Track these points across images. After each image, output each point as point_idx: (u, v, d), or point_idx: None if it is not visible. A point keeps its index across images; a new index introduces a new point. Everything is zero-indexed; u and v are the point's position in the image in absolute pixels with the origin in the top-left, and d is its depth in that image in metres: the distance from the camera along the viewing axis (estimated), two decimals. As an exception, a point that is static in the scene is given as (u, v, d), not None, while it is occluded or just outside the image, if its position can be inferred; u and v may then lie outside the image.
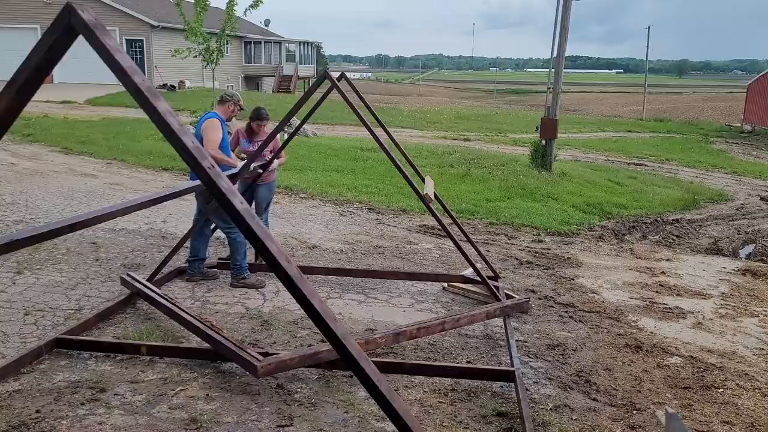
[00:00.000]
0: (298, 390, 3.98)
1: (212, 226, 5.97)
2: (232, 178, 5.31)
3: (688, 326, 5.60)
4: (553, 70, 15.29)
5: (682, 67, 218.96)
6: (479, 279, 5.69)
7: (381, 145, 5.33)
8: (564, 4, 14.31)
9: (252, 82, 44.67)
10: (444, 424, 3.70)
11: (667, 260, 7.94)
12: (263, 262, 5.49)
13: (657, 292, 6.54)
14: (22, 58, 1.46)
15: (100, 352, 4.33)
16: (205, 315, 5.16)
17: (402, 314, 5.44)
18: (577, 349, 4.90)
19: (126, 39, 31.84)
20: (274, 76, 43.64)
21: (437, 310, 5.60)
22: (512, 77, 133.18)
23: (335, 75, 5.55)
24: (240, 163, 5.64)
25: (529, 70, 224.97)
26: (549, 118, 14.50)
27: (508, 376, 4.17)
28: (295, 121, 9.62)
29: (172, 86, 30.62)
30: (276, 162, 6.29)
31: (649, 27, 38.70)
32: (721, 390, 4.38)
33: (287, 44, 45.36)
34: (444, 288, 6.13)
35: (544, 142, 14.41)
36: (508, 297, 5.70)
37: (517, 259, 7.40)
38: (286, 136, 6.59)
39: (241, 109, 6.00)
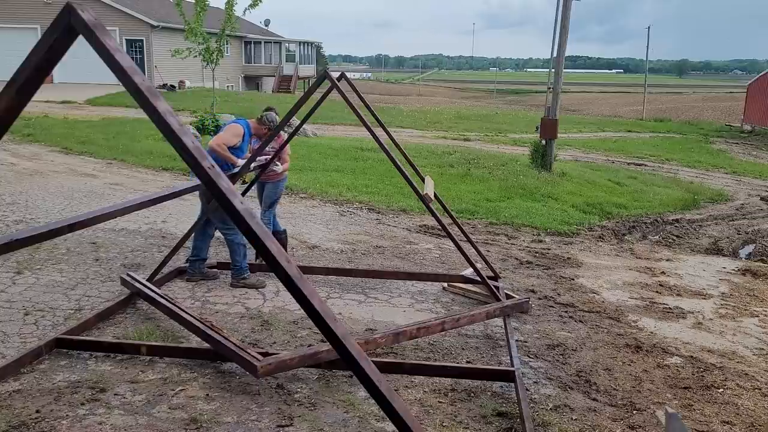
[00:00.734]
0: (298, 390, 3.98)
1: (215, 227, 5.98)
2: (232, 178, 5.31)
3: (688, 326, 5.60)
4: (553, 70, 15.29)
5: (682, 67, 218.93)
6: (479, 279, 5.69)
7: (381, 145, 5.33)
8: (564, 4, 14.31)
9: (252, 82, 44.67)
10: (444, 424, 3.70)
11: (667, 260, 7.94)
12: (263, 262, 5.48)
13: (657, 292, 6.54)
14: (22, 58, 1.46)
15: (100, 352, 4.34)
16: (205, 315, 5.16)
17: (402, 314, 5.44)
18: (577, 349, 4.90)
19: (126, 39, 31.83)
20: (274, 76, 43.63)
21: (437, 310, 5.60)
22: (512, 77, 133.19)
23: (335, 75, 5.55)
24: (240, 162, 5.65)
25: (529, 70, 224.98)
26: (549, 118, 14.49)
27: (508, 376, 4.17)
28: (295, 121, 9.61)
29: (172, 86, 30.61)
30: (280, 167, 6.31)
31: (649, 27, 38.71)
32: (721, 390, 4.38)
33: (287, 44, 45.36)
34: (444, 288, 6.13)
35: (544, 142, 14.41)
36: (508, 297, 5.70)
37: (517, 259, 7.40)
38: (286, 136, 6.58)
39: (273, 126, 6.01)
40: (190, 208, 8.54)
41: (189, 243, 6.10)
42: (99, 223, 2.70)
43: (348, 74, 6.42)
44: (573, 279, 6.76)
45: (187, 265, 6.00)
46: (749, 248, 9.23)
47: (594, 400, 4.12)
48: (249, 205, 1.58)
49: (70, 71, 26.99)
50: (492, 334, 5.12)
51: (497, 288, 5.77)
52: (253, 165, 5.67)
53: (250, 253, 6.08)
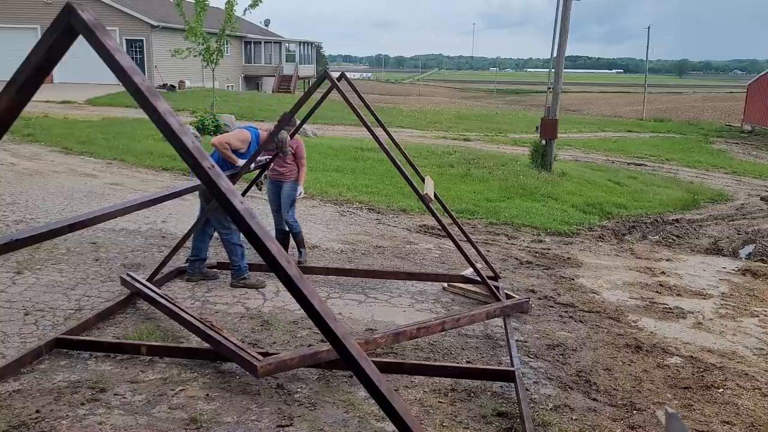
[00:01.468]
0: (298, 390, 3.98)
1: (214, 227, 5.98)
2: (232, 178, 5.31)
3: (688, 326, 5.60)
4: (553, 70, 15.29)
5: (682, 67, 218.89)
6: (479, 279, 5.69)
7: (381, 145, 5.33)
8: (564, 4, 14.31)
9: (252, 82, 44.68)
10: (444, 424, 3.70)
11: (667, 260, 7.94)
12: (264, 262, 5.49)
13: (657, 292, 6.54)
14: (22, 58, 1.46)
15: (100, 352, 4.34)
16: (205, 315, 5.16)
17: (402, 314, 5.44)
18: (577, 349, 4.90)
19: (126, 39, 31.83)
20: (274, 76, 43.64)
21: (437, 310, 5.60)
22: (512, 77, 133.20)
23: (335, 75, 5.55)
24: (241, 162, 5.65)
25: (529, 70, 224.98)
26: (549, 118, 14.50)
27: (508, 376, 4.17)
28: (295, 120, 9.62)
29: (172, 86, 30.61)
30: (301, 190, 6.53)
31: (649, 27, 38.73)
32: (721, 390, 4.38)
33: (287, 44, 45.36)
34: (444, 288, 6.13)
35: (544, 142, 14.41)
36: (508, 297, 5.70)
37: (517, 259, 7.40)
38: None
39: (284, 153, 6.02)
40: (190, 208, 8.54)
41: (189, 243, 6.10)
42: (99, 223, 2.70)
43: (348, 74, 6.42)
44: (573, 279, 6.76)
45: (187, 265, 6.00)
46: (749, 248, 9.23)
47: (594, 400, 4.12)
48: (249, 205, 1.58)
49: (70, 71, 26.99)
50: (492, 334, 5.12)
51: (497, 288, 5.77)
52: (253, 165, 5.67)
53: (251, 253, 6.07)
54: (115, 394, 3.82)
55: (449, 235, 5.51)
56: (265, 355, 3.98)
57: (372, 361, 1.65)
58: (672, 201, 12.24)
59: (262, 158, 5.85)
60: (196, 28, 17.04)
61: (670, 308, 6.02)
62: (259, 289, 5.78)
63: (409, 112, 30.98)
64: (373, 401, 1.75)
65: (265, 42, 44.79)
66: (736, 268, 7.70)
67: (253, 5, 18.12)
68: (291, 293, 1.56)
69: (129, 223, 7.72)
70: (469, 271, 6.06)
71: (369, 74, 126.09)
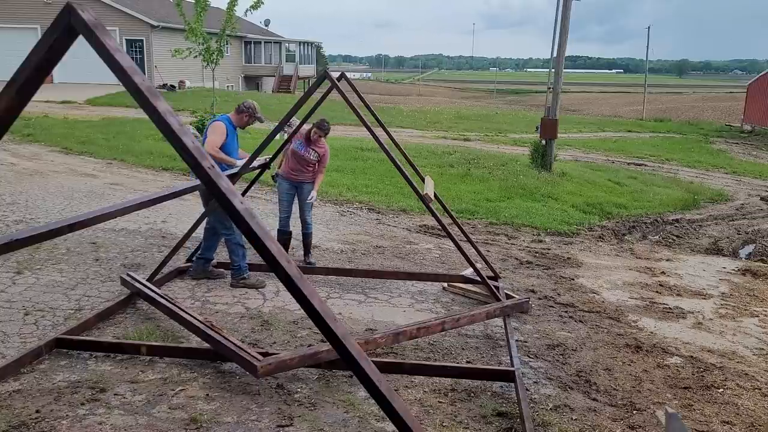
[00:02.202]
0: (298, 390, 3.98)
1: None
2: (232, 178, 5.31)
3: (688, 326, 5.60)
4: (553, 70, 15.29)
5: (682, 67, 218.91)
6: (479, 279, 5.69)
7: (381, 145, 5.34)
8: (564, 4, 14.31)
9: (252, 82, 44.68)
10: (444, 424, 3.70)
11: (667, 260, 7.94)
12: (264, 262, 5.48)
13: (657, 292, 6.54)
14: (22, 58, 1.46)
15: (100, 352, 4.33)
16: (205, 315, 5.16)
17: (402, 314, 5.44)
18: (577, 349, 4.90)
19: (126, 39, 31.83)
20: (274, 76, 43.63)
21: (437, 310, 5.60)
22: (512, 77, 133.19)
23: (335, 75, 5.55)
24: (240, 163, 5.65)
25: (529, 70, 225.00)
26: (549, 118, 14.50)
27: (508, 376, 4.17)
28: (295, 121, 9.61)
29: (172, 86, 30.60)
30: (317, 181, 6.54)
31: (649, 27, 38.73)
32: (721, 390, 4.38)
33: (287, 44, 45.35)
34: (444, 288, 6.13)
35: (544, 142, 14.41)
36: (508, 297, 5.70)
37: (517, 259, 7.40)
38: (286, 136, 6.58)
39: (260, 120, 5.92)
40: (190, 208, 8.54)
41: (189, 243, 6.11)
42: (99, 223, 2.70)
43: (348, 74, 6.42)
44: (573, 279, 6.76)
45: (193, 262, 6.01)
46: (749, 248, 9.23)
47: (594, 400, 4.12)
48: (249, 205, 1.58)
49: (70, 71, 26.98)
50: (492, 334, 5.12)
51: (497, 288, 5.77)
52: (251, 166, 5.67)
53: (251, 253, 6.07)
54: (115, 394, 3.82)
55: (449, 235, 5.51)
56: (265, 355, 3.98)
57: (372, 361, 1.65)
58: (672, 201, 12.24)
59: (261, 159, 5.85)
60: (197, 28, 17.03)
61: (670, 308, 6.02)
62: (259, 289, 5.78)
63: (409, 112, 30.97)
64: (373, 401, 1.75)
65: (265, 42, 44.79)
66: (736, 268, 7.70)
67: (254, 6, 18.12)
68: (291, 293, 1.56)
69: (129, 223, 7.72)
70: (469, 271, 6.06)
71: (369, 74, 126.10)
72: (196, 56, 17.80)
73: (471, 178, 12.56)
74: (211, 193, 1.52)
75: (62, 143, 13.81)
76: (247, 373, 3.91)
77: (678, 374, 4.59)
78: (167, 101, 1.47)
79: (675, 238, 9.61)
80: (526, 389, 4.10)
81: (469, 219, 9.39)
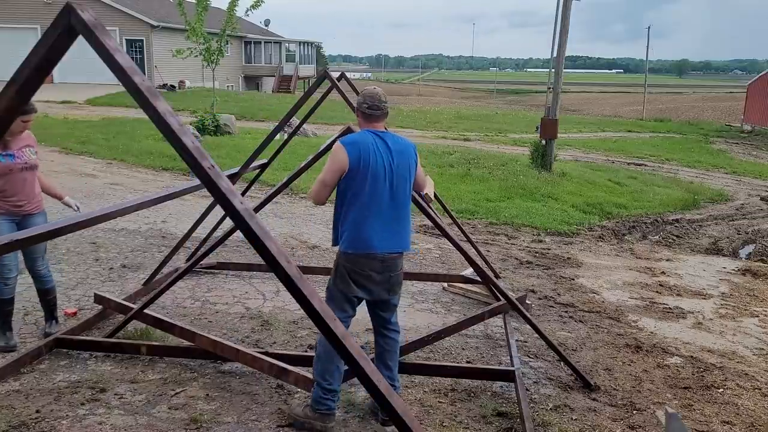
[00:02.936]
0: (299, 390, 3.98)
1: None
2: (232, 178, 5.31)
3: (688, 326, 5.60)
4: (553, 70, 15.29)
5: (682, 67, 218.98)
6: (479, 279, 5.69)
7: (381, 145, 5.33)
8: (564, 4, 14.31)
9: (252, 82, 44.68)
10: (444, 424, 3.70)
11: (667, 260, 7.94)
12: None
13: (657, 292, 6.54)
14: (22, 58, 1.45)
15: (100, 352, 4.33)
16: (205, 315, 5.16)
17: (402, 314, 5.43)
18: (577, 349, 4.90)
19: (126, 39, 31.85)
20: (274, 76, 43.65)
21: (437, 310, 5.60)
22: (512, 77, 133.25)
23: (335, 75, 5.55)
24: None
25: (529, 70, 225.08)
26: (549, 118, 14.49)
27: (508, 376, 4.17)
28: (295, 120, 9.63)
29: (172, 86, 30.62)
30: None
31: (649, 27, 38.74)
32: (721, 390, 4.38)
33: (287, 44, 45.37)
34: (444, 288, 6.13)
35: (544, 142, 14.41)
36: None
37: (517, 259, 7.40)
38: (285, 136, 6.57)
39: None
40: (190, 208, 8.54)
41: (189, 243, 6.11)
42: (99, 223, 2.69)
43: (348, 74, 6.42)
44: (573, 279, 6.76)
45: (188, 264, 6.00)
46: (749, 248, 9.23)
47: (594, 400, 4.12)
48: (249, 205, 1.58)
49: (70, 71, 27.01)
50: (492, 334, 5.12)
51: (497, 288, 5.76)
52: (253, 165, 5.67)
53: (250, 253, 6.06)
54: (115, 394, 3.82)
55: (447, 236, 5.50)
56: (266, 354, 3.99)
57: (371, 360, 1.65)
58: (672, 201, 12.24)
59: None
60: (198, 28, 17.04)
61: (670, 308, 6.02)
62: (259, 290, 5.78)
63: (409, 112, 30.97)
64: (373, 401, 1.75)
65: (265, 42, 44.80)
66: (736, 268, 7.70)
67: (254, 6, 18.13)
68: (291, 293, 1.55)
69: (129, 223, 7.72)
70: (469, 271, 6.06)
71: (369, 74, 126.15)
72: (196, 56, 17.82)
73: (471, 178, 12.55)
74: (211, 193, 1.52)
75: (62, 143, 13.81)
76: (247, 372, 3.91)
77: (678, 374, 4.59)
78: (167, 101, 1.47)
79: (675, 238, 9.61)
80: (526, 389, 4.10)
81: (469, 219, 9.39)
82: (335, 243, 3.59)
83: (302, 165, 4.08)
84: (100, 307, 5.02)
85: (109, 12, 30.52)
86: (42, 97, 18.48)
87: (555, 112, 14.49)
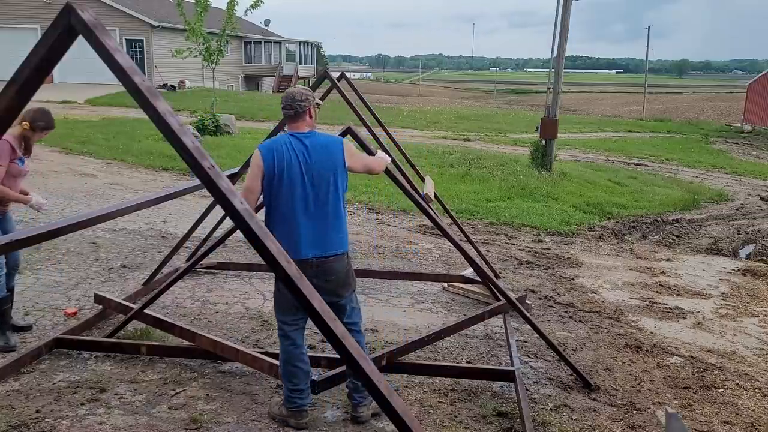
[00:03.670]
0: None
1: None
2: (233, 178, 5.31)
3: (688, 326, 5.60)
4: (553, 70, 15.29)
5: (682, 67, 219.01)
6: (479, 279, 5.69)
7: (381, 145, 5.34)
8: (564, 4, 14.31)
9: (252, 82, 44.68)
10: (444, 424, 3.70)
11: (667, 260, 7.94)
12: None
13: (657, 292, 6.54)
14: (22, 58, 1.45)
15: (100, 352, 4.33)
16: (205, 315, 5.16)
17: (402, 314, 5.44)
18: (577, 349, 4.90)
19: (126, 39, 31.85)
20: (274, 76, 43.64)
21: (437, 310, 5.60)
22: (512, 77, 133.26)
23: (335, 75, 5.55)
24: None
25: (529, 70, 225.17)
26: (549, 118, 14.50)
27: (508, 376, 4.17)
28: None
29: (172, 86, 30.61)
30: None
31: (649, 27, 38.73)
32: (721, 390, 4.38)
33: (287, 44, 45.36)
34: (444, 288, 6.13)
35: (544, 142, 14.41)
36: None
37: (517, 259, 7.40)
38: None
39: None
40: (190, 208, 8.54)
41: (189, 243, 6.11)
42: (99, 223, 2.70)
43: (348, 74, 6.42)
44: (573, 279, 6.76)
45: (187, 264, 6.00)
46: (749, 248, 9.23)
47: (594, 400, 4.12)
48: (249, 205, 1.57)
49: (70, 71, 27.00)
50: (492, 334, 5.12)
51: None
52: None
53: (250, 253, 6.06)
54: (115, 394, 3.82)
55: (446, 236, 5.50)
56: (266, 354, 3.99)
57: (371, 359, 1.65)
58: (672, 201, 12.24)
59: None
60: (198, 28, 17.04)
61: (670, 308, 6.02)
62: (259, 290, 5.78)
63: (409, 112, 30.97)
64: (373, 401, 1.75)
65: (265, 42, 44.80)
66: (736, 268, 7.70)
67: (254, 6, 18.13)
68: (291, 293, 1.56)
69: (129, 223, 7.72)
70: (469, 271, 6.06)
71: (369, 74, 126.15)
72: (196, 56, 17.81)
73: (471, 178, 12.56)
74: (212, 193, 1.52)
75: (62, 143, 13.81)
76: (247, 372, 3.91)
77: (678, 374, 4.59)
78: (167, 101, 1.47)
79: (675, 238, 9.61)
80: (526, 389, 4.10)
81: (469, 219, 9.39)
82: None
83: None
84: (100, 307, 5.02)
85: (109, 12, 30.52)
86: (42, 97, 18.46)
87: (555, 112, 14.50)
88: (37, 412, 3.57)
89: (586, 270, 7.18)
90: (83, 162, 12.16)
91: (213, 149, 13.40)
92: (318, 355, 4.24)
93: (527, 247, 8.07)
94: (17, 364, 4.03)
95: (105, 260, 6.37)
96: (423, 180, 5.84)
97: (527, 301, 5.64)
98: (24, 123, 4.22)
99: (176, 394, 3.87)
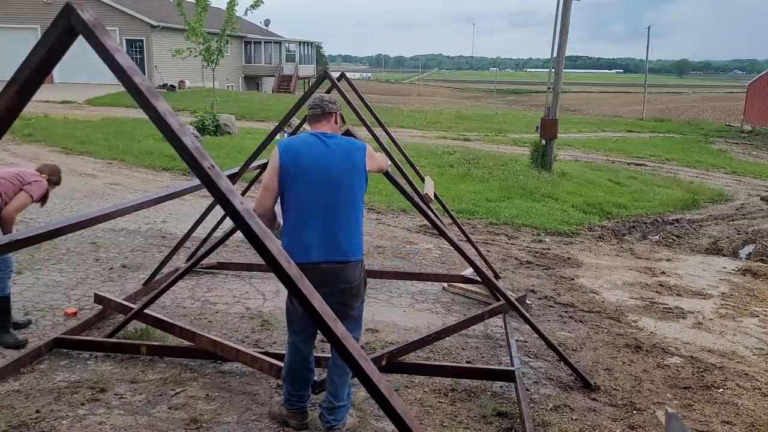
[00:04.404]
0: (298, 390, 3.98)
1: None
2: (233, 178, 5.31)
3: (688, 326, 5.60)
4: (553, 70, 15.29)
5: (682, 67, 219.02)
6: (479, 279, 5.69)
7: (381, 145, 5.34)
8: (564, 4, 14.31)
9: (252, 82, 44.68)
10: (444, 424, 3.70)
11: (667, 260, 7.94)
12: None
13: (657, 292, 6.54)
14: (22, 58, 1.45)
15: (100, 352, 4.33)
16: (205, 315, 5.17)
17: (402, 314, 5.44)
18: (577, 349, 4.90)
19: (126, 39, 31.85)
20: (274, 76, 43.64)
21: (437, 310, 5.60)
22: (512, 77, 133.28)
23: (335, 75, 5.55)
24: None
25: (529, 70, 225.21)
26: (549, 118, 14.50)
27: (508, 376, 4.17)
28: (295, 120, 9.63)
29: (172, 86, 30.61)
30: None
31: (649, 27, 38.74)
32: (721, 390, 4.38)
33: (287, 44, 45.36)
34: (444, 288, 6.13)
35: (544, 142, 14.41)
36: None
37: (517, 259, 7.40)
38: (285, 136, 6.57)
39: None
40: (190, 208, 8.54)
41: (189, 243, 6.11)
42: (99, 223, 2.70)
43: (348, 74, 6.42)
44: (573, 279, 6.76)
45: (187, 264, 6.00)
46: (749, 248, 9.23)
47: (594, 400, 4.12)
48: (249, 205, 1.58)
49: (70, 71, 27.00)
50: (492, 334, 5.12)
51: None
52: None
53: (250, 253, 6.06)
54: (115, 394, 3.82)
55: (445, 236, 5.50)
56: (266, 354, 3.98)
57: (371, 359, 1.65)
58: (672, 201, 12.24)
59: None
60: (197, 28, 17.05)
61: (670, 308, 6.02)
62: (259, 290, 5.78)
63: (409, 112, 30.97)
64: (373, 401, 1.75)
65: (265, 42, 44.80)
66: (736, 268, 7.70)
67: (254, 6, 18.14)
68: (291, 293, 1.55)
69: (129, 223, 7.72)
70: (469, 271, 6.06)
71: (369, 74, 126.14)
72: (196, 56, 17.82)
73: (471, 178, 12.56)
74: (212, 193, 1.52)
75: (62, 143, 13.81)
76: (247, 373, 3.91)
77: (678, 374, 4.59)
78: (167, 101, 1.47)
79: (675, 238, 9.61)
80: (526, 389, 4.10)
81: (469, 219, 9.39)
82: None
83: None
84: (100, 307, 5.02)
85: (109, 12, 30.52)
86: (42, 97, 18.50)
87: (555, 112, 14.50)
88: (37, 412, 3.57)
89: (586, 270, 7.18)
90: (83, 162, 12.16)
91: (213, 149, 13.40)
92: (318, 355, 4.23)
93: (527, 247, 8.07)
94: (17, 364, 4.03)
95: (105, 260, 6.37)
96: (423, 180, 5.84)
97: (527, 301, 5.64)
98: (43, 174, 4.63)
99: (176, 394, 3.87)
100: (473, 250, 6.10)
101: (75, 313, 5.02)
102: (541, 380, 4.34)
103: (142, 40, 32.39)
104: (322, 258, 3.26)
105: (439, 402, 3.96)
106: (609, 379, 4.43)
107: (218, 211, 5.29)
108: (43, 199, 4.68)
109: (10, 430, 3.38)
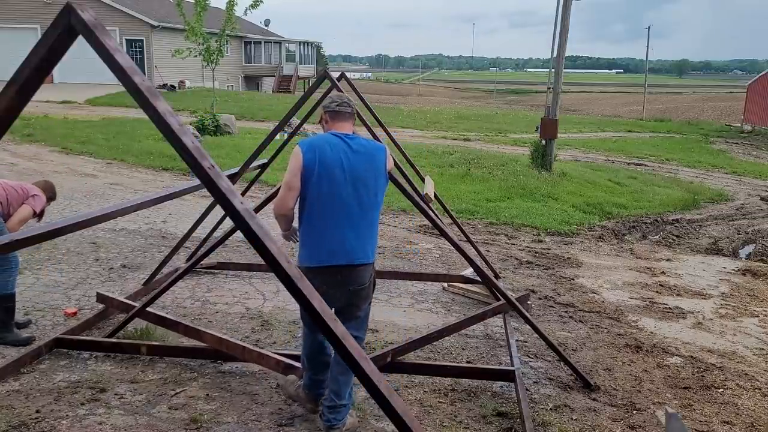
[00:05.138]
0: (298, 390, 3.98)
1: None
2: (233, 178, 5.31)
3: (688, 326, 5.60)
4: (553, 70, 15.29)
5: (682, 67, 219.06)
6: (479, 279, 5.69)
7: (381, 145, 5.33)
8: (564, 4, 14.31)
9: (252, 82, 44.68)
10: (444, 424, 3.70)
11: (667, 260, 7.94)
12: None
13: (657, 292, 6.54)
14: (22, 58, 1.46)
15: (100, 352, 4.33)
16: (205, 315, 5.17)
17: (402, 314, 5.44)
18: (577, 349, 4.90)
19: (126, 39, 31.85)
20: (274, 76, 43.65)
21: (437, 310, 5.60)
22: (512, 77, 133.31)
23: (335, 75, 5.55)
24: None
25: (529, 70, 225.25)
26: (549, 118, 14.49)
27: (508, 376, 4.17)
28: (295, 120, 9.63)
29: (172, 86, 30.62)
30: None
31: (649, 27, 38.75)
32: (721, 390, 4.38)
33: (287, 44, 45.37)
34: (444, 288, 6.13)
35: (544, 142, 14.41)
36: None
37: (517, 259, 7.40)
38: (285, 136, 6.58)
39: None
40: (190, 208, 8.55)
41: (189, 243, 6.11)
42: (99, 223, 2.70)
43: (348, 74, 6.42)
44: (573, 279, 6.76)
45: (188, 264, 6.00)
46: (749, 248, 9.23)
47: (594, 400, 4.12)
48: (249, 205, 1.58)
49: (70, 71, 27.00)
50: (492, 334, 5.12)
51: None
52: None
53: (250, 253, 6.06)
54: (115, 394, 3.82)
55: (445, 236, 5.50)
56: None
57: (371, 359, 1.65)
58: (672, 201, 12.24)
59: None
60: (197, 28, 17.06)
61: (670, 308, 6.02)
62: (259, 290, 5.78)
63: (409, 112, 30.97)
64: (373, 401, 1.75)
65: (265, 42, 44.80)
66: (736, 268, 7.70)
67: (253, 5, 18.15)
68: (291, 293, 1.56)
69: (129, 223, 7.72)
70: (469, 271, 6.06)
71: (369, 74, 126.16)
72: (196, 56, 17.83)
73: (471, 178, 12.56)
74: (211, 193, 1.52)
75: (62, 143, 13.81)
76: (247, 373, 3.91)
77: (678, 374, 4.59)
78: (167, 101, 1.47)
79: (675, 238, 9.61)
80: (526, 389, 4.10)
81: (469, 219, 9.39)
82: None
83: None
84: (101, 306, 5.02)
85: (109, 12, 30.52)
86: (42, 97, 18.50)
87: (555, 112, 14.49)
88: (37, 412, 3.57)
89: (586, 270, 7.18)
90: (83, 162, 12.16)
91: (213, 149, 13.41)
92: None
93: (527, 247, 8.07)
94: (17, 364, 4.03)
95: (105, 260, 6.38)
96: (423, 180, 5.84)
97: (527, 301, 5.65)
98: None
99: (176, 394, 3.87)
100: (473, 250, 6.10)
101: (75, 313, 5.02)
102: (541, 380, 4.35)
103: (142, 40, 32.40)
104: (349, 261, 3.25)
105: (439, 402, 3.96)
106: (609, 379, 4.43)
107: (218, 211, 5.29)
108: (41, 214, 4.78)
109: (10, 430, 3.38)
